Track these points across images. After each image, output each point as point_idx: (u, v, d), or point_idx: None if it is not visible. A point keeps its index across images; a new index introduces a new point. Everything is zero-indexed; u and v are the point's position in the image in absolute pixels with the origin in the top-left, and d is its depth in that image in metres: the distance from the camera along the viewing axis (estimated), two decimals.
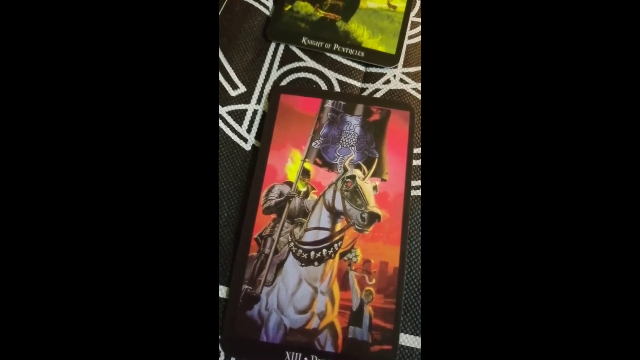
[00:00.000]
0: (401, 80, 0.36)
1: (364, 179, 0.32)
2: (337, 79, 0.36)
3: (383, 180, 0.32)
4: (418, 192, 0.32)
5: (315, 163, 0.33)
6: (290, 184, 0.32)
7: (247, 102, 0.35)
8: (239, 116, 0.35)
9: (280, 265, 0.30)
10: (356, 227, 0.31)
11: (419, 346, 0.28)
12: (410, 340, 0.28)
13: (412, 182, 0.33)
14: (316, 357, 0.28)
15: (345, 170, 0.33)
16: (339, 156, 0.33)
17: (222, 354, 0.28)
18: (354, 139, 0.34)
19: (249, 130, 0.34)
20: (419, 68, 0.37)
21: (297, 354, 0.28)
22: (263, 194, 0.32)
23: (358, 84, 0.36)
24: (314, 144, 0.33)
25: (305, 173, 0.33)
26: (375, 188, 0.32)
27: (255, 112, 0.35)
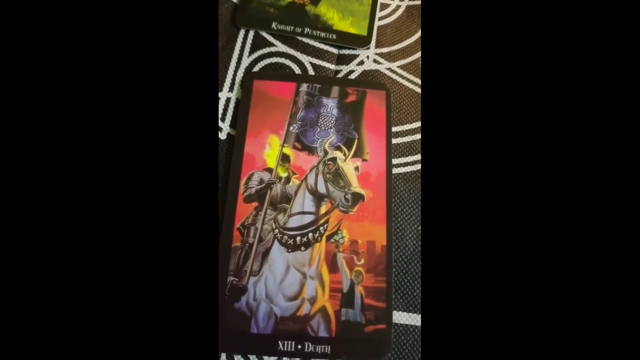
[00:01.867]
0: (375, 60, 0.36)
1: (345, 160, 0.32)
2: (310, 63, 0.36)
3: (364, 160, 0.32)
4: (400, 170, 0.32)
5: (294, 147, 0.32)
6: (270, 170, 0.31)
7: (220, 90, 0.34)
8: None
9: (266, 253, 0.29)
10: (341, 208, 0.30)
11: (412, 323, 0.28)
12: (404, 318, 0.28)
13: (393, 160, 0.32)
14: (310, 344, 0.27)
15: (326, 152, 0.32)
16: (318, 139, 0.32)
17: None
18: (332, 121, 0.33)
19: (223, 119, 0.33)
20: (391, 48, 0.37)
21: (290, 342, 0.27)
22: (242, 182, 0.31)
23: (332, 67, 0.36)
24: (291, 128, 0.33)
25: (285, 158, 0.32)
26: (357, 169, 0.32)
27: (228, 99, 0.34)
